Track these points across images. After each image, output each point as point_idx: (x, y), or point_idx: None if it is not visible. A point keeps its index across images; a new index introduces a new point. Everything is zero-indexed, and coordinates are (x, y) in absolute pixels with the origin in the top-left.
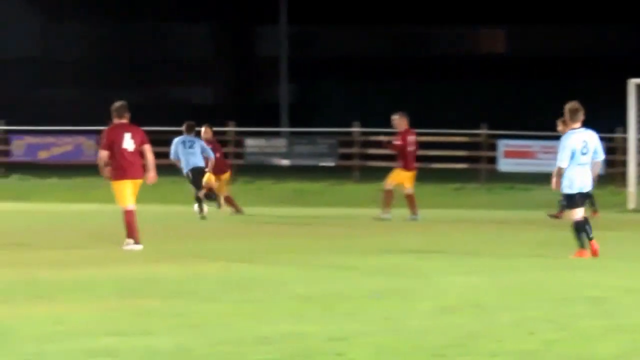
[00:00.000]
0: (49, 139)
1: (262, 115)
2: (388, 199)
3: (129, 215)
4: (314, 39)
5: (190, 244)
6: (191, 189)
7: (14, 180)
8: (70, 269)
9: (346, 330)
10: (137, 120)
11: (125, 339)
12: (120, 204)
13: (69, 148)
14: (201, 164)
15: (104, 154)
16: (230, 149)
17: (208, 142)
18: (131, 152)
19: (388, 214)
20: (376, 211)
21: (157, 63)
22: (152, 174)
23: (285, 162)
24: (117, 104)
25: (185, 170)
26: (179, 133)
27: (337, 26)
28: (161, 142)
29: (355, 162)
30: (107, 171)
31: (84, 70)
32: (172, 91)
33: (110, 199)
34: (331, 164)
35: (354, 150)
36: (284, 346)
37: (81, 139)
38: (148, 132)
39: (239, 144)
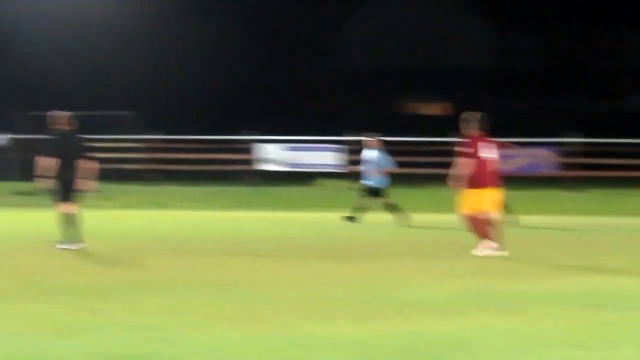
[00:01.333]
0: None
1: None
2: None
3: (474, 221)
4: None
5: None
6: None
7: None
8: (527, 279)
9: None
10: (590, 131)
11: (587, 352)
12: (464, 209)
13: (526, 160)
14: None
15: (468, 164)
16: None
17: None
18: (489, 162)
19: None
20: None
21: (615, 72)
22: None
23: None
24: (472, 115)
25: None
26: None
27: None
28: (628, 154)
29: None
30: (460, 181)
31: (539, 80)
32: (630, 100)
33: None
34: None
35: None
36: None
37: (538, 151)
38: (599, 144)
39: None
